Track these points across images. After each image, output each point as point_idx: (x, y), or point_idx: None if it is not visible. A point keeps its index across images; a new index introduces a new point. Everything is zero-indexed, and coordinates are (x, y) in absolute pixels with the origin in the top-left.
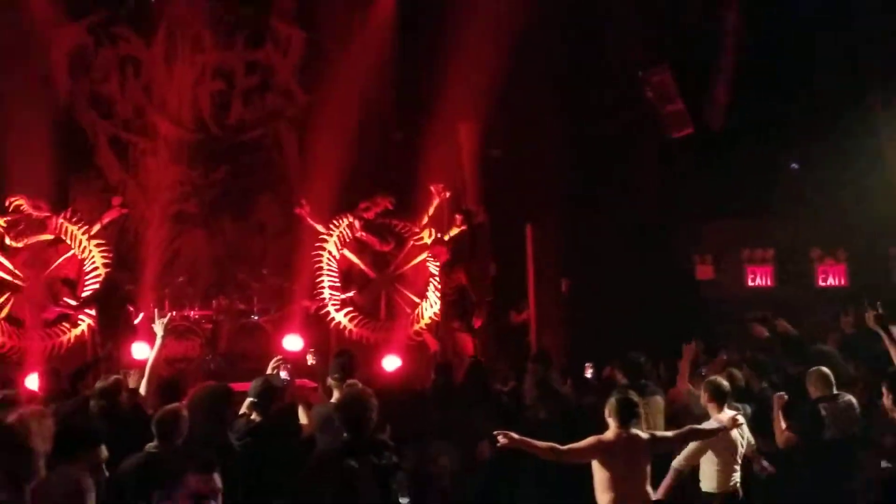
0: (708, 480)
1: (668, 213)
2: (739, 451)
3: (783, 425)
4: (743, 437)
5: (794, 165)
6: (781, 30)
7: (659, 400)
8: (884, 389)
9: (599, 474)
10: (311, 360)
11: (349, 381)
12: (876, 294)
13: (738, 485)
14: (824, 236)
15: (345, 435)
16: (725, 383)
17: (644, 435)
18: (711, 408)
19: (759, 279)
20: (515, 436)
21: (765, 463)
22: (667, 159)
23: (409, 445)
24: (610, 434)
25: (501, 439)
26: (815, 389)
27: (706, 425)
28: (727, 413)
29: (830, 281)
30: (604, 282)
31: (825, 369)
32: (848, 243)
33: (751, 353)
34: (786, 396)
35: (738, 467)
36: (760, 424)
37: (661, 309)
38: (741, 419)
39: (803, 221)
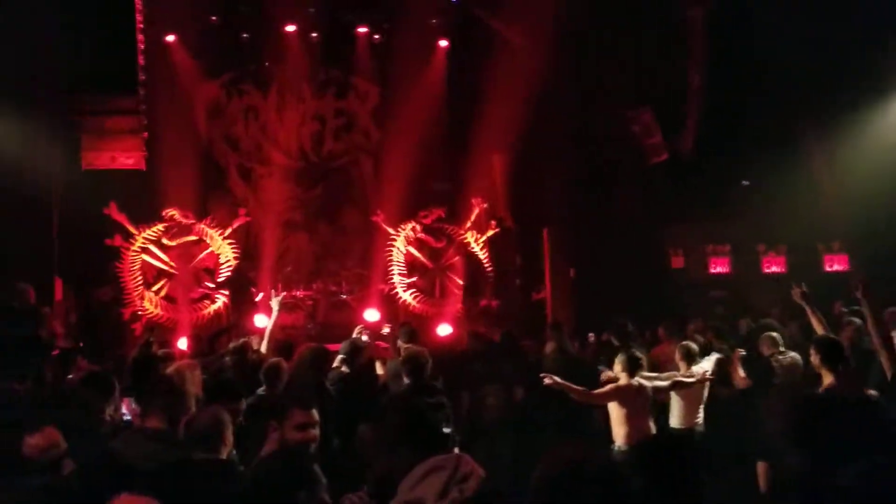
0: (676, 419)
1: (650, 218)
2: (703, 397)
3: (742, 374)
4: (704, 387)
5: (745, 182)
6: (735, 82)
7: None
8: (812, 350)
9: (615, 413)
10: (386, 329)
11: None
12: (807, 278)
13: (701, 423)
14: (768, 234)
15: (406, 381)
16: (694, 346)
17: (647, 383)
18: (682, 365)
19: (718, 268)
20: (558, 379)
21: None
22: (648, 178)
23: (463, 389)
24: (623, 382)
25: (548, 381)
26: (766, 348)
27: (685, 378)
28: (698, 368)
29: (773, 269)
30: (601, 270)
31: (774, 333)
32: (786, 240)
33: (713, 323)
34: (743, 352)
35: (701, 409)
36: (721, 375)
37: (644, 290)
38: (709, 373)
39: (752, 223)
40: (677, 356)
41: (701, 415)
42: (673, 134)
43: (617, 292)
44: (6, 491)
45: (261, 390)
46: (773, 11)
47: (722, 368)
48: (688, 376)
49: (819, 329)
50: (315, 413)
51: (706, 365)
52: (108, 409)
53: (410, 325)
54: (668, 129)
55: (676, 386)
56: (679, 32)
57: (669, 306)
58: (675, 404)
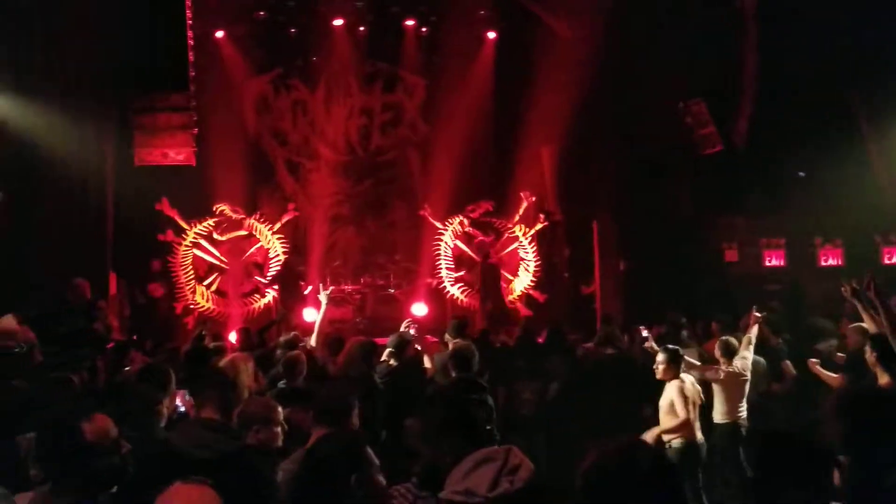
0: (719, 414)
1: (702, 210)
2: (744, 392)
3: (791, 370)
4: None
5: (801, 173)
6: (790, 71)
7: (694, 350)
8: (867, 348)
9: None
10: (412, 330)
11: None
12: (864, 271)
13: (745, 417)
14: (825, 227)
15: (453, 374)
16: (734, 341)
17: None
18: (722, 360)
19: (773, 261)
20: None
21: None
22: (701, 170)
23: (500, 384)
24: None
25: None
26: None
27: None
28: (736, 363)
29: (830, 262)
30: (652, 263)
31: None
32: (843, 232)
33: (768, 317)
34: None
35: (743, 404)
36: (774, 371)
37: (696, 284)
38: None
39: (808, 216)
40: (717, 351)
41: (744, 409)
42: (726, 125)
43: (668, 286)
44: (73, 475)
45: (281, 383)
46: None
47: (775, 364)
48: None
49: (872, 327)
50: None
51: (741, 362)
52: (164, 402)
53: (462, 319)
54: (722, 119)
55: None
56: (732, 21)
57: (722, 300)
58: (717, 399)
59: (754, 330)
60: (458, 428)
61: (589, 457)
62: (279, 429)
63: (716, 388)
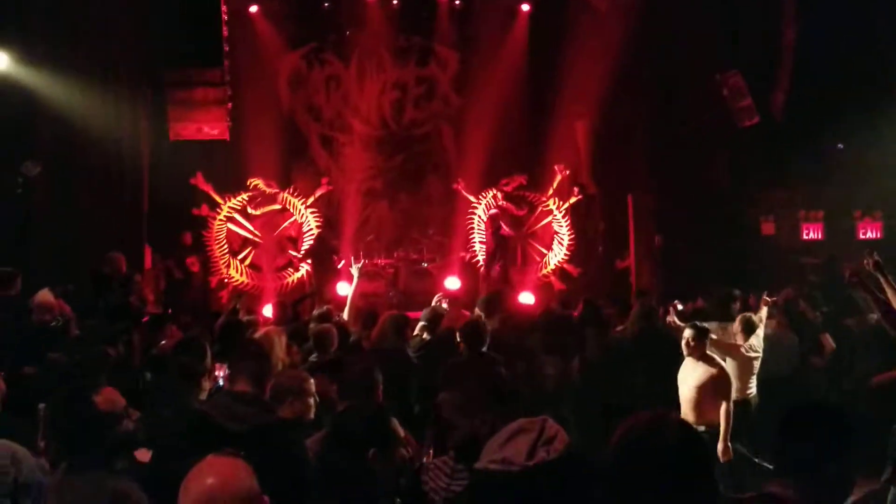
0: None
1: (739, 183)
2: (753, 369)
3: (831, 343)
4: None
5: (840, 145)
6: (828, 42)
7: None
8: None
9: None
10: (444, 304)
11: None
12: None
13: (755, 393)
14: (863, 200)
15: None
16: (754, 317)
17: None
18: (741, 336)
19: (812, 234)
20: None
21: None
22: (738, 142)
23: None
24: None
25: None
26: None
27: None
28: (751, 341)
29: (869, 235)
30: (688, 237)
31: None
32: (882, 205)
33: (808, 290)
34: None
35: (753, 380)
36: (813, 344)
37: (732, 257)
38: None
39: (847, 188)
40: (737, 327)
41: (753, 386)
42: (764, 97)
43: (705, 260)
44: (89, 444)
45: (313, 356)
46: None
47: (814, 337)
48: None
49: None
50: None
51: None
52: (204, 375)
53: (495, 294)
54: (759, 91)
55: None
56: None
57: (760, 274)
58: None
59: (763, 311)
60: (493, 397)
61: (618, 430)
62: (312, 400)
63: (729, 364)
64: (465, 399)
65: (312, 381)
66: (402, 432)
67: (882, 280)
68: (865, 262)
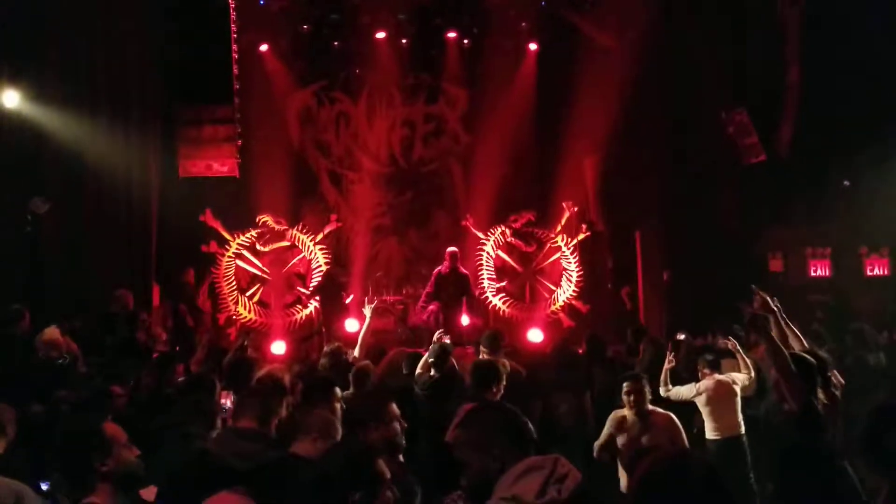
0: (709, 431)
1: (747, 220)
2: (735, 406)
3: (839, 378)
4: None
5: (846, 183)
6: (832, 80)
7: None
8: None
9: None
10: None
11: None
12: None
13: (742, 431)
14: (870, 236)
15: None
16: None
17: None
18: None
19: (819, 271)
20: None
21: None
22: (745, 180)
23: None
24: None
25: None
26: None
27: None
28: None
29: (876, 271)
30: (696, 273)
31: None
32: (889, 242)
33: (815, 328)
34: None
35: (738, 418)
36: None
37: (741, 294)
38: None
39: (853, 225)
40: (700, 364)
41: (741, 423)
42: (770, 134)
43: (713, 296)
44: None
45: (347, 393)
46: (871, 6)
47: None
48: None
49: (796, 345)
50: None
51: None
52: (214, 411)
53: (496, 331)
54: (765, 129)
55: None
56: (774, 31)
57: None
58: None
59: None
60: (508, 436)
61: (640, 467)
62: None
63: (703, 402)
64: (477, 436)
65: (332, 416)
66: (388, 473)
67: (771, 322)
68: (755, 300)
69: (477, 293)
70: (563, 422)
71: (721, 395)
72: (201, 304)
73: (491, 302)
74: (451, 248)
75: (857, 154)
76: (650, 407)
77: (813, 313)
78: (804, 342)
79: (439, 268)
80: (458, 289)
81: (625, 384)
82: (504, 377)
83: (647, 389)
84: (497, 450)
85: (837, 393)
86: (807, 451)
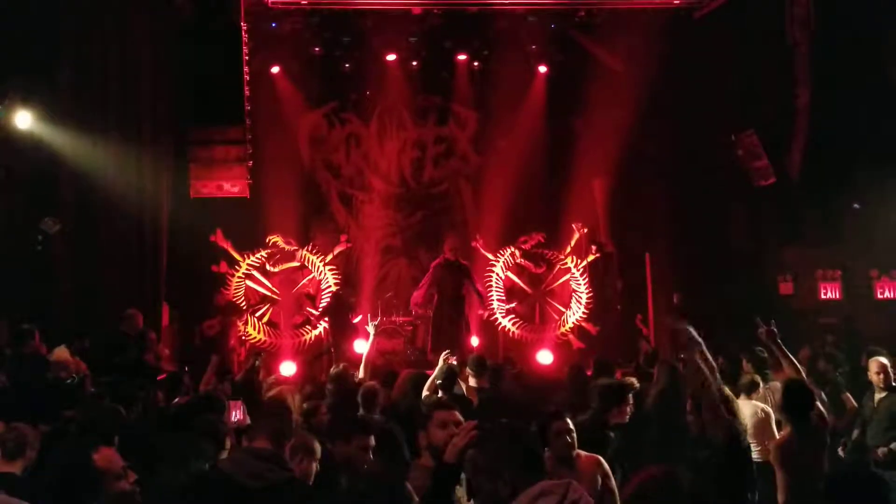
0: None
1: (757, 242)
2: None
3: (852, 401)
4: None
5: (857, 205)
6: (843, 102)
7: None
8: None
9: None
10: (453, 361)
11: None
12: None
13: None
14: (881, 259)
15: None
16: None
17: None
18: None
19: (829, 293)
20: None
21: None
22: (755, 202)
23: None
24: None
25: None
26: None
27: None
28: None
29: (887, 294)
30: (706, 296)
31: None
32: None
33: (829, 350)
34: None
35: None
36: (833, 404)
37: (751, 316)
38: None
39: (864, 248)
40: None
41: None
42: (780, 156)
43: (723, 319)
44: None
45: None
46: (883, 28)
47: (835, 398)
48: None
49: (789, 371)
50: (457, 413)
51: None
52: (225, 431)
53: (481, 356)
54: (775, 151)
55: None
56: (784, 52)
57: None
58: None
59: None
60: (521, 459)
61: (631, 483)
62: (315, 465)
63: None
64: (488, 459)
65: (317, 444)
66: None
67: (776, 350)
68: (760, 331)
69: (481, 290)
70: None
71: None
72: (207, 328)
73: (500, 323)
74: (451, 238)
75: (867, 177)
76: (577, 451)
77: (823, 337)
78: (799, 369)
79: (438, 259)
80: (458, 279)
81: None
82: None
83: (574, 434)
84: (508, 473)
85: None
86: None
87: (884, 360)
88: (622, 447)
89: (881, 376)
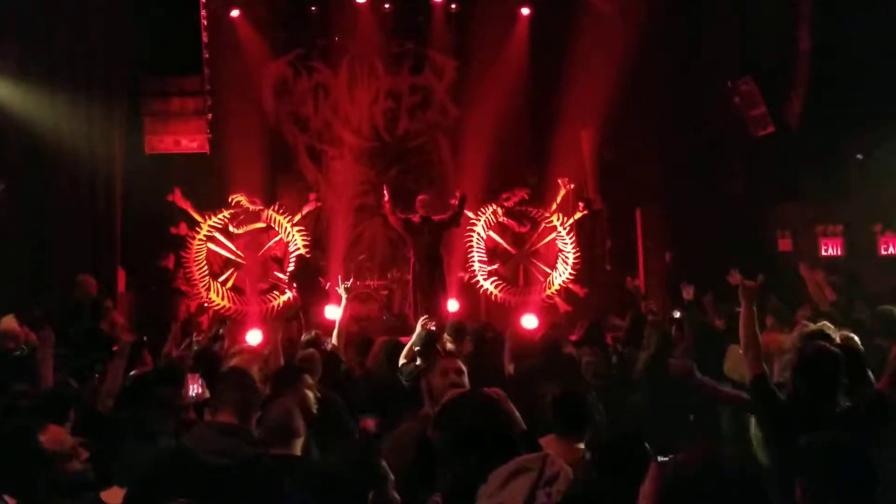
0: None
1: (754, 196)
2: None
3: None
4: None
5: (859, 156)
6: (846, 46)
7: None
8: None
9: None
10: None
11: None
12: None
13: None
14: (885, 214)
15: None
16: None
17: None
18: None
19: (831, 250)
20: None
21: None
22: (752, 153)
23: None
24: None
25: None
26: None
27: None
28: None
29: (891, 250)
30: (700, 254)
31: None
32: None
33: (826, 310)
34: None
35: None
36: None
37: (748, 276)
38: None
39: (867, 202)
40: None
41: None
42: (779, 104)
43: (718, 278)
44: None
45: None
46: None
47: None
48: None
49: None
50: (460, 363)
51: None
52: (184, 405)
53: (460, 321)
54: (774, 99)
55: None
56: None
57: (776, 292)
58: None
59: None
60: (492, 433)
61: (665, 469)
62: (299, 434)
63: None
64: (457, 435)
65: (297, 409)
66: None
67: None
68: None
69: (466, 277)
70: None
71: None
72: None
73: (482, 286)
74: (422, 196)
75: (871, 126)
76: None
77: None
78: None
79: (410, 214)
80: (434, 238)
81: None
82: None
83: None
84: (475, 454)
85: None
86: None
87: None
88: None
89: None
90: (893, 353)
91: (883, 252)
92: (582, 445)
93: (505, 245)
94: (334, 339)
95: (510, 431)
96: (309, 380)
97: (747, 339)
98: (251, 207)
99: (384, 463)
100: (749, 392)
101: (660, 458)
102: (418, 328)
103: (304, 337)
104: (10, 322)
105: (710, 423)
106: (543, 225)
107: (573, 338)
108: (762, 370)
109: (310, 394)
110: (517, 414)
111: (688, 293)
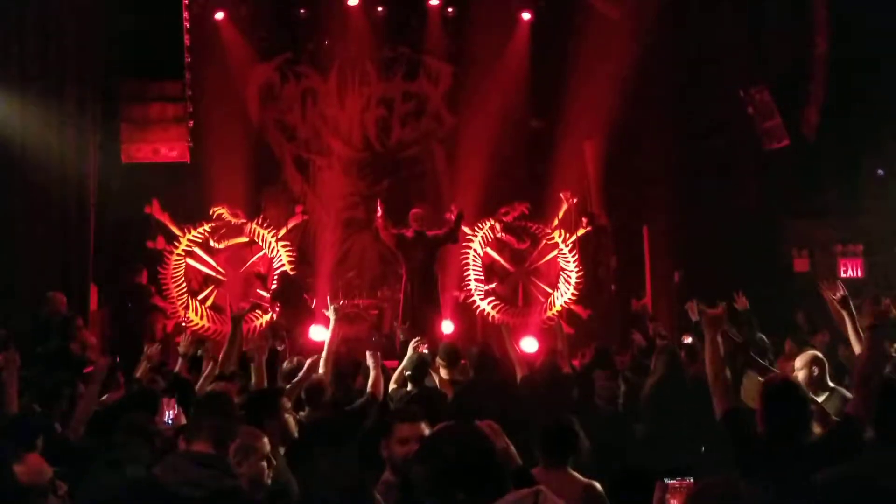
0: None
1: (768, 213)
2: None
3: None
4: None
5: (880, 171)
6: (865, 56)
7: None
8: None
9: None
10: (425, 349)
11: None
12: None
13: None
14: None
15: None
16: None
17: None
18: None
19: (850, 271)
20: None
21: None
22: (766, 167)
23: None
24: None
25: None
26: None
27: None
28: None
29: None
30: (711, 274)
31: None
32: None
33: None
34: None
35: None
36: None
37: (762, 297)
38: None
39: (889, 219)
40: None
41: None
42: (795, 115)
43: (730, 299)
44: None
45: (302, 414)
46: None
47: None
48: None
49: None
50: (424, 427)
51: None
52: (157, 433)
53: (453, 345)
54: (790, 109)
55: None
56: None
57: (793, 315)
58: None
59: None
60: (475, 473)
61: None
62: (265, 463)
63: None
64: (436, 475)
65: (266, 440)
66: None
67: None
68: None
69: (461, 296)
70: None
71: None
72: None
73: (478, 306)
74: (415, 209)
75: (892, 139)
76: None
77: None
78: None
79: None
80: (428, 254)
81: None
82: None
83: None
84: (462, 492)
85: None
86: None
87: None
88: (605, 441)
89: None
90: (857, 370)
91: None
92: (569, 470)
93: (503, 262)
94: (321, 367)
95: (503, 466)
96: (287, 403)
97: (712, 375)
98: (233, 221)
99: (378, 496)
100: (723, 428)
101: (666, 480)
102: (410, 351)
103: (285, 365)
104: None
105: (719, 450)
106: (544, 241)
107: (576, 363)
108: (731, 405)
109: (289, 418)
110: (512, 449)
111: (695, 314)
